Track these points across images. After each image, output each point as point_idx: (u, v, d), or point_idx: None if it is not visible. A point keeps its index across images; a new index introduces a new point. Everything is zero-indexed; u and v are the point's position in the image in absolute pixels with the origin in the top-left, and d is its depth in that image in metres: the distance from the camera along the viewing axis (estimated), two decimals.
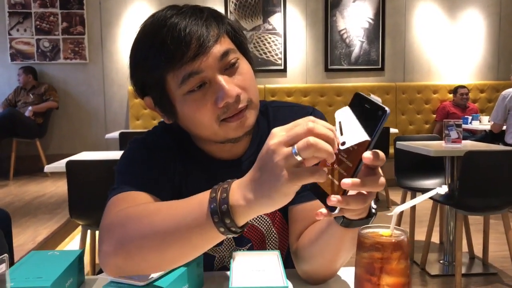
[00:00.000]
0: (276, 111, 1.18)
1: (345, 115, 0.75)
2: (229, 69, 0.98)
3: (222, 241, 1.16)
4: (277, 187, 0.70)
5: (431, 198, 3.05)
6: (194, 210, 0.78)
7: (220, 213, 0.74)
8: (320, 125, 0.70)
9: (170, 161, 1.08)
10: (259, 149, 1.14)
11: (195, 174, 1.11)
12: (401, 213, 4.05)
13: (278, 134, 0.72)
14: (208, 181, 1.11)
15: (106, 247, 0.85)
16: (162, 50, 0.94)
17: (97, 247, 0.88)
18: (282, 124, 0.99)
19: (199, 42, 0.93)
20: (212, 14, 0.99)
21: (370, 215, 0.84)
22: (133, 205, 0.90)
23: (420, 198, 0.82)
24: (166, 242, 0.79)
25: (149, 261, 0.82)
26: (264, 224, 1.18)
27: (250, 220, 1.14)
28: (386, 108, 0.71)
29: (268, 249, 1.19)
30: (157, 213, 0.83)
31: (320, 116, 1.17)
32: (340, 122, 0.75)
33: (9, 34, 6.63)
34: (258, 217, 1.16)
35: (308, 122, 0.70)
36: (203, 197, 0.78)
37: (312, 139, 0.67)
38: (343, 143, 0.72)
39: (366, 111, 0.72)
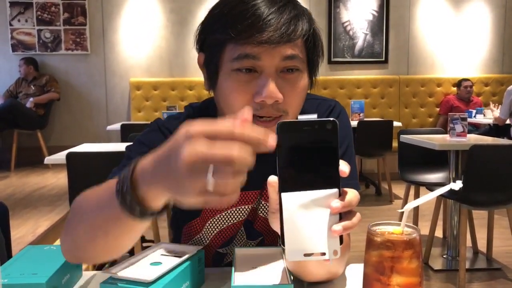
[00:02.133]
0: None
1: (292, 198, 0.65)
2: (285, 73, 0.94)
3: (234, 236, 1.13)
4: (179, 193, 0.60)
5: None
6: (106, 198, 0.72)
7: (122, 196, 0.67)
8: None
9: None
10: None
11: None
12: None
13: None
14: None
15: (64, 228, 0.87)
16: (237, 19, 0.90)
17: None
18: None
19: (273, 34, 0.89)
20: (302, 15, 0.95)
21: None
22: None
23: (433, 194, 0.78)
24: (91, 234, 0.78)
25: (85, 250, 0.83)
26: None
27: (262, 213, 1.12)
28: (331, 119, 0.64)
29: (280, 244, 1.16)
30: (87, 204, 0.82)
31: (341, 111, 1.14)
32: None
33: (10, 25, 6.59)
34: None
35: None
36: (113, 182, 0.71)
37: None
38: (323, 254, 0.65)
39: (309, 138, 0.65)
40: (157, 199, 0.66)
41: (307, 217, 0.65)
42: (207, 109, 1.09)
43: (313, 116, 0.68)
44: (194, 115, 1.10)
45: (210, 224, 1.10)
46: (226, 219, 1.10)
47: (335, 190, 0.65)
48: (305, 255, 0.65)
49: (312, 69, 1.01)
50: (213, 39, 0.95)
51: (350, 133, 1.12)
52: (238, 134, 0.55)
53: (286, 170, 0.65)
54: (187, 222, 1.12)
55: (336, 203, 0.65)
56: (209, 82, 1.01)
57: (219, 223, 1.10)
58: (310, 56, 0.99)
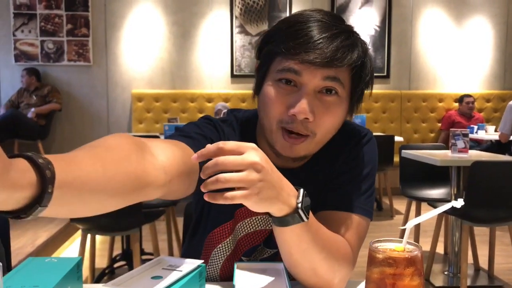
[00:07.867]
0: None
1: None
2: (323, 94, 0.99)
3: (258, 246, 1.15)
4: None
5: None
6: None
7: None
8: None
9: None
10: (318, 162, 1.12)
11: None
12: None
13: None
14: None
15: None
16: (290, 37, 0.98)
17: None
18: (340, 147, 1.10)
19: (318, 57, 0.94)
20: (354, 47, 0.99)
21: (295, 212, 0.84)
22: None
23: (434, 212, 0.79)
24: None
25: None
26: None
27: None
28: None
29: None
30: None
31: (371, 140, 1.17)
32: None
33: (14, 35, 6.63)
34: None
35: None
36: None
37: None
38: None
39: None
40: None
41: None
42: (248, 121, 1.16)
43: None
44: (236, 125, 1.16)
45: (240, 227, 1.13)
46: (255, 223, 1.13)
47: None
48: None
49: (353, 100, 1.04)
50: (267, 50, 1.04)
51: (374, 162, 1.14)
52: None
53: None
54: (217, 227, 1.14)
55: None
56: (256, 87, 1.09)
57: (248, 226, 1.13)
58: (354, 87, 1.02)
